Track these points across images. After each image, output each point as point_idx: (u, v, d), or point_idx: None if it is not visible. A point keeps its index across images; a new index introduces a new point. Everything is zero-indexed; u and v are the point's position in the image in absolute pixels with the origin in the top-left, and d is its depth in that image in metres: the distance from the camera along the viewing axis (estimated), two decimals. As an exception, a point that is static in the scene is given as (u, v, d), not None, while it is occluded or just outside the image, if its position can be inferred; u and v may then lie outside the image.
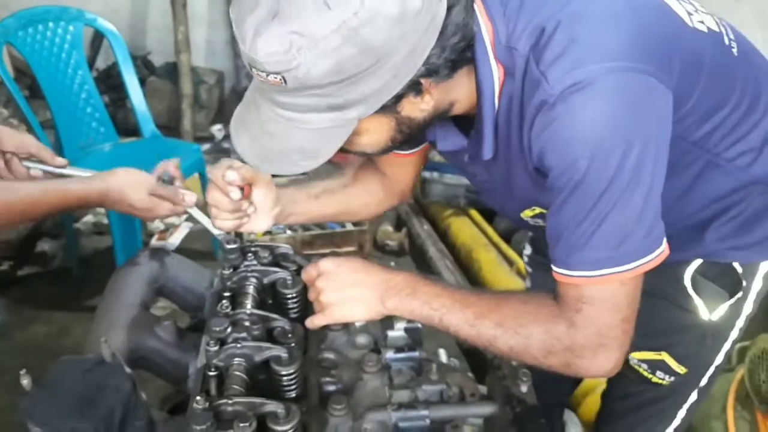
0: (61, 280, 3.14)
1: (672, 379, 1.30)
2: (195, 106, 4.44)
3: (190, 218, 3.75)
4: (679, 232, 1.19)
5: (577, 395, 2.19)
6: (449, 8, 0.91)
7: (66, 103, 2.97)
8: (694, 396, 1.33)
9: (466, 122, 1.09)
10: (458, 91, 1.01)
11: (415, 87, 0.94)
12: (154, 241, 3.34)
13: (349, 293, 1.11)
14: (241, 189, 1.19)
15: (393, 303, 1.10)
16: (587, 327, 0.98)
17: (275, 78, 0.87)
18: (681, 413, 1.36)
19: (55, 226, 3.25)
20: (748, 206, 1.17)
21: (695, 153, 1.11)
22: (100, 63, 4.64)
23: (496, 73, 0.99)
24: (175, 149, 3.16)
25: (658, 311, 1.26)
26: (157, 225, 3.57)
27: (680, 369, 1.29)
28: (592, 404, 2.16)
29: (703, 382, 1.32)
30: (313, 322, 1.14)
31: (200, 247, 3.34)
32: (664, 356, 1.29)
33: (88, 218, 3.61)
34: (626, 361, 1.30)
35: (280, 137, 0.95)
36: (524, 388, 1.10)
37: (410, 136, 1.05)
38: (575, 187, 0.93)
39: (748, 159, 1.13)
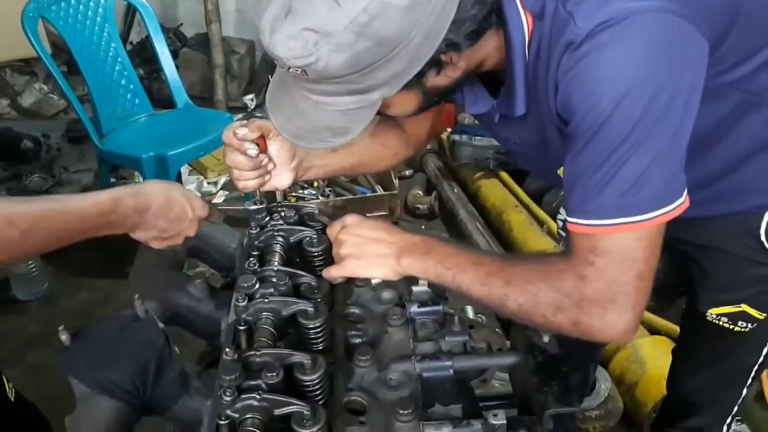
0: (104, 248, 3.22)
1: (754, 325, 1.31)
2: (227, 76, 4.48)
3: (226, 186, 3.82)
4: (736, 181, 1.19)
5: (608, 351, 2.20)
6: None
7: (101, 76, 3.04)
8: None
9: (495, 81, 1.08)
10: (487, 49, 1.00)
11: (436, 63, 0.94)
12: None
13: (367, 249, 1.13)
14: (257, 145, 1.20)
15: (408, 261, 1.11)
16: (597, 281, 0.95)
17: (296, 71, 0.89)
18: (765, 350, 1.38)
19: (96, 197, 3.35)
20: None
21: (734, 95, 1.08)
22: (134, 36, 4.71)
23: (525, 23, 0.97)
24: (208, 119, 3.22)
25: (735, 268, 1.27)
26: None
27: (760, 315, 1.30)
28: (621, 360, 2.17)
29: None
30: (330, 272, 1.17)
31: (235, 214, 3.41)
32: (744, 307, 1.30)
33: (128, 188, 3.71)
34: (704, 317, 1.34)
35: (310, 117, 0.97)
36: (546, 338, 1.10)
37: (439, 100, 1.06)
38: (597, 130, 0.91)
39: None
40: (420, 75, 0.93)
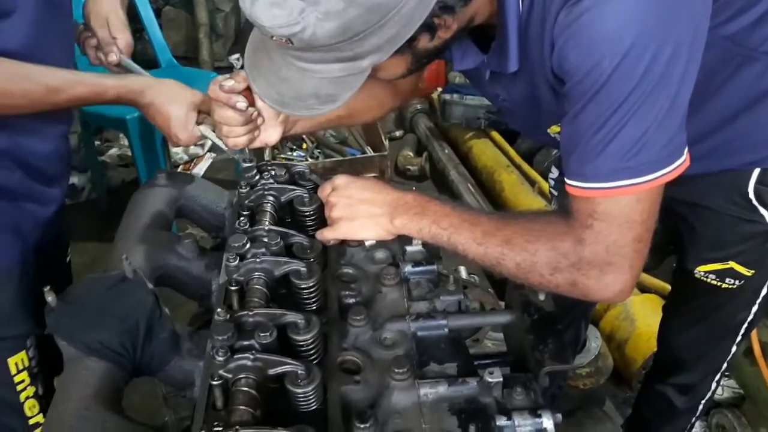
0: (91, 212, 3.22)
1: (741, 282, 1.32)
2: (212, 35, 4.38)
3: (214, 148, 3.79)
4: (727, 137, 1.19)
5: (598, 310, 2.21)
6: None
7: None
8: (764, 291, 1.36)
9: (485, 35, 1.04)
10: (478, 4, 0.96)
11: (429, 27, 0.90)
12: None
13: (359, 210, 1.12)
14: (244, 97, 1.15)
15: (402, 221, 1.10)
16: (595, 243, 0.94)
17: (281, 39, 0.85)
18: (754, 308, 1.39)
19: (81, 160, 3.30)
20: None
21: (731, 49, 1.07)
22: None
23: None
24: (192, 78, 3.14)
25: (723, 226, 1.28)
26: (182, 156, 3.60)
27: (748, 272, 1.31)
28: (612, 318, 2.19)
29: None
30: (323, 234, 1.15)
31: (225, 177, 3.38)
32: (732, 264, 1.31)
33: (113, 151, 3.66)
34: (693, 275, 1.36)
35: (294, 84, 0.94)
36: (542, 296, 1.10)
37: (429, 62, 1.03)
38: (597, 91, 0.88)
39: None
40: (412, 39, 0.89)
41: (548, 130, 1.18)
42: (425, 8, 0.86)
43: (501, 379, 0.94)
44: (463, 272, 2.08)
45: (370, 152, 3.29)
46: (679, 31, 0.87)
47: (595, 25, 0.86)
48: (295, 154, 3.31)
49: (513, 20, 0.97)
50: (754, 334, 1.82)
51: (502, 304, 1.32)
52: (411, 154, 3.53)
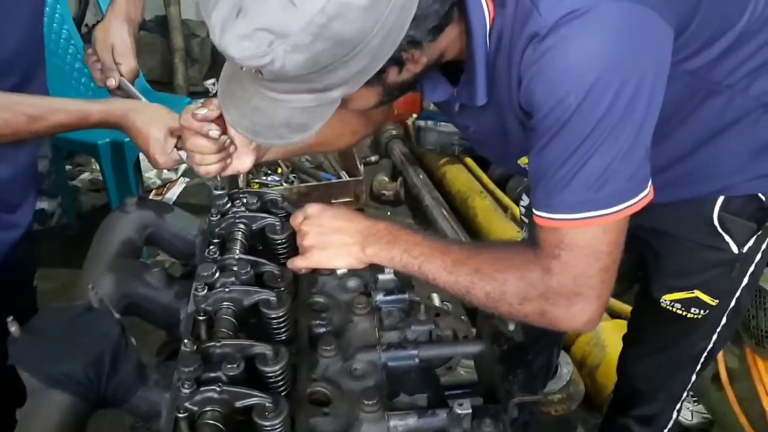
0: (61, 237, 3.16)
1: (706, 312, 1.33)
2: (187, 60, 4.39)
3: (187, 173, 3.75)
4: (689, 168, 1.20)
5: (570, 336, 2.22)
6: None
7: (54, 59, 2.93)
8: (724, 320, 1.37)
9: (455, 69, 1.06)
10: (447, 39, 0.98)
11: (398, 61, 0.92)
12: (151, 198, 3.35)
13: (330, 239, 1.12)
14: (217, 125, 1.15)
15: (373, 250, 1.10)
16: (562, 274, 0.96)
17: (251, 70, 0.86)
18: (714, 337, 1.40)
19: (52, 185, 3.25)
20: (757, 132, 1.17)
21: (695, 83, 1.10)
22: (90, 18, 4.56)
23: (486, 10, 0.95)
24: (166, 103, 3.11)
25: (689, 253, 1.29)
26: (154, 181, 3.57)
27: (713, 302, 1.32)
28: (583, 344, 2.20)
29: (732, 304, 1.35)
30: (294, 263, 1.15)
31: (197, 202, 3.36)
32: (697, 293, 1.32)
33: (85, 176, 3.61)
34: (658, 304, 1.36)
35: (266, 113, 0.94)
36: (511, 327, 1.10)
37: (400, 94, 1.04)
38: (562, 125, 0.90)
39: (747, 81, 1.13)
40: (381, 72, 0.91)
41: (518, 161, 1.20)
42: (393, 43, 0.87)
43: (470, 411, 0.94)
44: (436, 299, 2.09)
45: (345, 177, 3.30)
46: (642, 66, 0.89)
47: (559, 62, 0.88)
48: (269, 178, 3.31)
49: (481, 56, 0.99)
50: (720, 359, 1.84)
51: (475, 332, 1.32)
52: (386, 179, 3.54)
